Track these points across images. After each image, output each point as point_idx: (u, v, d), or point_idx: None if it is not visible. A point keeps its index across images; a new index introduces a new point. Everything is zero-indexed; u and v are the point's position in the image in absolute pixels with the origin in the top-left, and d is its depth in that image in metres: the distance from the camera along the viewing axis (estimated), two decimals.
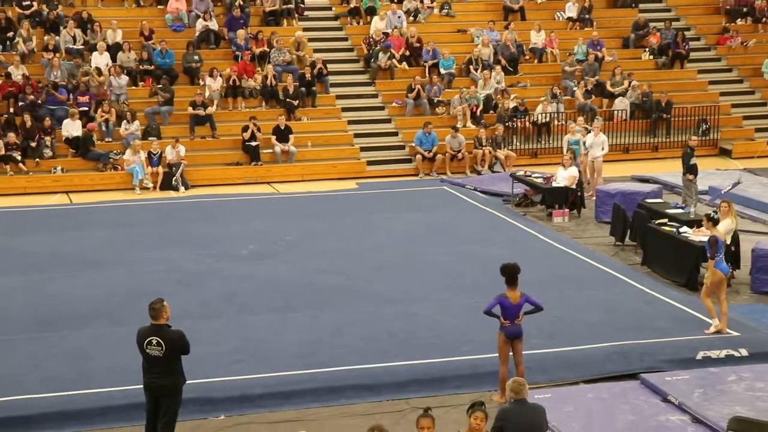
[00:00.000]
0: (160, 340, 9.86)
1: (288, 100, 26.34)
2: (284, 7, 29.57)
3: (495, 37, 29.46)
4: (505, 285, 11.57)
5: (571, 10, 31.39)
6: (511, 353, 11.62)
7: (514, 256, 13.23)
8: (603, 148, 22.62)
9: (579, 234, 19.43)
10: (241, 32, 27.66)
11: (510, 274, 11.56)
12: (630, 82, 28.24)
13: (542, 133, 26.79)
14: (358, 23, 30.01)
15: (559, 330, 13.68)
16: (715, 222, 14.11)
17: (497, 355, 11.70)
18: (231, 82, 26.39)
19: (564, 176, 20.72)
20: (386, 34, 28.74)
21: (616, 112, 27.54)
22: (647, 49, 30.50)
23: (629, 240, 18.20)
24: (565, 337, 13.47)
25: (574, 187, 20.63)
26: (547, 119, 26.85)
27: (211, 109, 25.65)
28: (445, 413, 11.08)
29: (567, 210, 20.55)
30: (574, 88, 28.02)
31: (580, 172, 21.27)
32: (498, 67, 28.29)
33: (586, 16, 31.25)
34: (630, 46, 30.83)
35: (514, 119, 26.59)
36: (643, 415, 11.27)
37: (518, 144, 26.45)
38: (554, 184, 20.76)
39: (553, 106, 27.16)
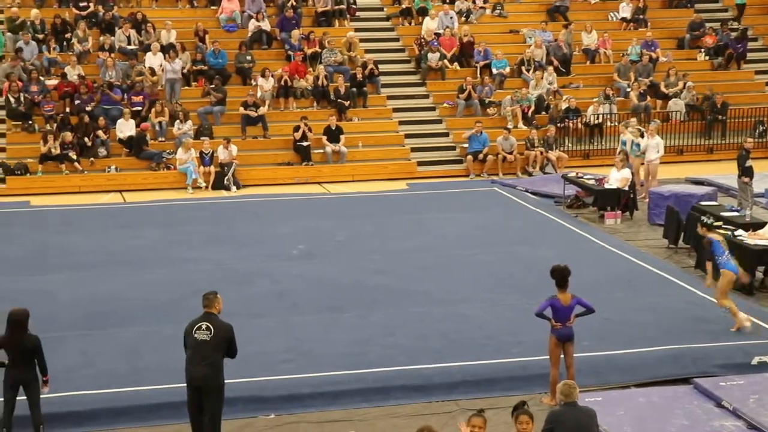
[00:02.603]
0: (210, 325, 10.06)
1: (339, 100, 26.38)
2: (336, 7, 29.64)
3: (548, 37, 29.26)
4: (556, 287, 11.48)
5: (625, 11, 31.13)
6: (562, 356, 11.53)
7: (565, 257, 13.09)
8: (658, 151, 22.33)
9: (631, 236, 19.21)
10: (294, 32, 27.76)
11: (560, 276, 11.47)
12: (685, 83, 27.88)
13: (594, 135, 26.56)
14: (410, 24, 29.98)
15: (611, 333, 13.53)
16: (709, 227, 14.15)
17: (548, 357, 11.62)
18: (282, 83, 26.48)
19: (616, 178, 20.50)
20: (438, 35, 28.67)
21: (671, 113, 27.22)
22: (702, 50, 30.10)
23: (683, 243, 17.97)
24: (616, 339, 13.32)
25: (626, 188, 20.41)
26: (600, 120, 26.61)
27: (262, 110, 25.75)
28: (495, 415, 11.00)
29: (619, 212, 20.33)
30: (628, 90, 27.73)
31: (632, 173, 21.03)
32: (550, 68, 28.10)
33: (641, 16, 30.96)
34: (685, 46, 30.48)
35: (566, 120, 26.39)
36: (697, 420, 11.11)
37: (570, 145, 26.25)
38: (606, 186, 20.55)
39: (605, 107, 26.89)
